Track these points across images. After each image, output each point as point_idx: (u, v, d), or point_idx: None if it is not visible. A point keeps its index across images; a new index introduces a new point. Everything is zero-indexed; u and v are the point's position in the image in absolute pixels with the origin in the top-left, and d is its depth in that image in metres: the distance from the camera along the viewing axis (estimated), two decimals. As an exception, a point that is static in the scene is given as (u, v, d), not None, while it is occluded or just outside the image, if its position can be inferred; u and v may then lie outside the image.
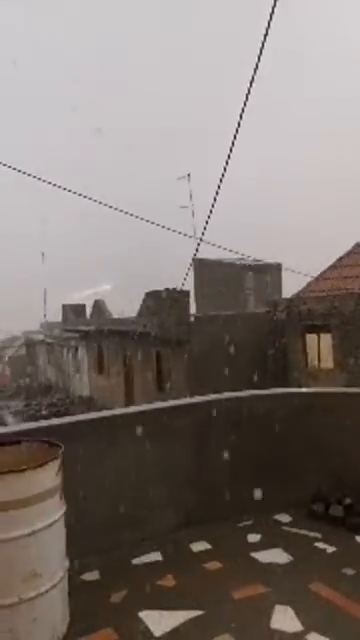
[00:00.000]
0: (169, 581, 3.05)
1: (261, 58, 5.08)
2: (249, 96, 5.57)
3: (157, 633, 2.54)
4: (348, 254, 18.30)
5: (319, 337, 16.04)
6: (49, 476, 2.45)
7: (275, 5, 4.53)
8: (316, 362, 16.26)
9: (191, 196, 21.69)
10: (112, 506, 3.43)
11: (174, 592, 2.94)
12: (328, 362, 15.75)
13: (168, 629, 2.57)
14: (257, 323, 17.53)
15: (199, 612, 2.69)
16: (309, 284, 18.40)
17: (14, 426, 3.83)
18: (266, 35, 4.81)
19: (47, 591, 2.39)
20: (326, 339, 15.77)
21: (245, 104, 5.58)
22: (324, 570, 3.09)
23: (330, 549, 3.37)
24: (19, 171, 8.45)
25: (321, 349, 16.04)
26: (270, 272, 26.61)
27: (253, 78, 5.32)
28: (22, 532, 2.30)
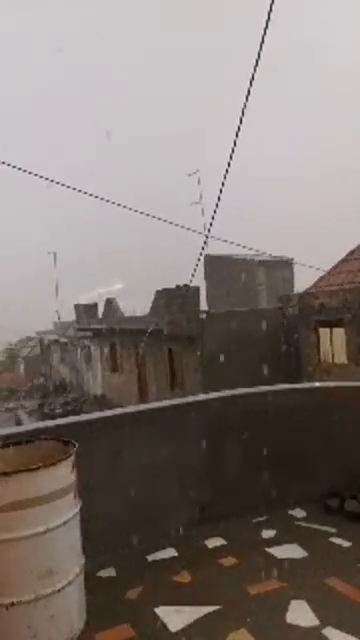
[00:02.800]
0: (185, 577, 3.06)
1: (263, 47, 5.02)
2: (251, 90, 5.53)
3: (173, 629, 2.56)
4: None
5: (332, 332, 15.94)
6: (63, 474, 2.47)
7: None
8: (329, 357, 16.16)
9: (201, 195, 21.66)
10: (127, 503, 3.45)
11: (190, 588, 2.95)
12: (342, 357, 15.64)
13: (184, 624, 2.58)
14: (269, 319, 17.47)
15: (215, 607, 2.70)
16: (321, 278, 18.26)
17: (29, 425, 3.87)
18: (266, 28, 4.77)
19: (63, 588, 2.41)
20: (339, 334, 15.66)
21: (247, 99, 5.55)
22: (340, 565, 3.08)
23: (345, 544, 3.35)
24: (34, 175, 8.49)
25: (334, 344, 15.93)
26: (282, 267, 26.47)
27: (255, 69, 5.28)
28: (37, 530, 2.33)
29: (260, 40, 4.99)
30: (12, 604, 2.30)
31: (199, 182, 22.08)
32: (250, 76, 5.37)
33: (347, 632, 2.43)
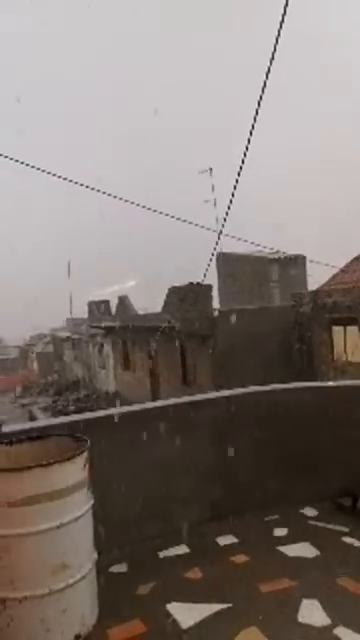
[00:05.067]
0: (196, 574, 3.07)
1: (279, 42, 4.99)
2: (265, 89, 5.49)
3: (184, 625, 2.57)
4: (375, 245, 17.93)
5: (346, 330, 15.82)
6: (76, 470, 2.49)
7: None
8: (343, 355, 16.05)
9: (213, 190, 21.59)
10: (138, 500, 3.47)
11: (201, 585, 2.96)
12: (356, 355, 15.52)
13: (195, 621, 2.59)
14: (282, 317, 17.39)
15: (226, 605, 2.71)
16: (335, 276, 18.14)
17: (42, 421, 3.91)
18: (282, 22, 4.72)
19: (76, 582, 2.43)
20: (353, 332, 15.54)
21: (261, 96, 5.51)
22: (352, 564, 3.06)
23: (357, 543, 3.33)
24: (48, 173, 8.56)
25: (348, 342, 15.82)
26: (295, 265, 26.31)
27: (269, 69, 5.25)
28: (51, 525, 2.35)
29: (275, 36, 4.95)
30: (25, 598, 2.33)
31: (212, 181, 22.02)
32: (264, 75, 5.34)
33: (359, 632, 2.42)
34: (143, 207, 9.98)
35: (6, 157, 7.68)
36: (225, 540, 3.48)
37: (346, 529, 3.53)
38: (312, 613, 2.59)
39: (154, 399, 18.77)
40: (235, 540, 3.47)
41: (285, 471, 3.94)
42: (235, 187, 7.21)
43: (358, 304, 14.97)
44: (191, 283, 17.41)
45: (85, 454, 2.58)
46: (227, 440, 3.84)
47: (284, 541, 3.41)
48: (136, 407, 3.84)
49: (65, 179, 8.76)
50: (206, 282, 16.28)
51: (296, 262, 26.23)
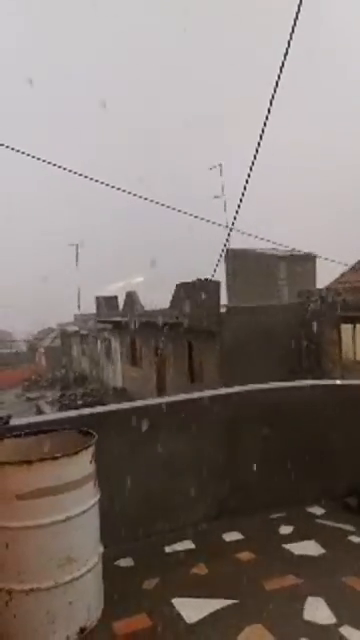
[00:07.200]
0: (201, 569, 3.07)
1: (291, 44, 4.98)
2: (279, 82, 5.47)
3: (190, 620, 2.57)
4: (385, 243, 17.79)
5: (354, 328, 15.73)
6: (83, 464, 2.50)
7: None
8: (351, 354, 15.96)
9: (223, 187, 21.54)
10: (145, 495, 3.48)
11: (207, 581, 2.96)
12: (363, 354, 15.43)
13: (201, 617, 2.59)
14: (290, 314, 17.32)
15: (231, 601, 2.71)
16: (343, 274, 18.03)
17: (50, 415, 3.93)
18: (295, 21, 4.71)
19: (82, 576, 2.44)
20: (362, 330, 15.45)
21: (275, 90, 5.49)
22: (357, 563, 3.05)
23: (364, 542, 3.32)
24: (60, 167, 8.58)
25: (356, 340, 15.73)
26: (304, 262, 26.19)
27: (283, 64, 5.22)
28: (57, 518, 2.36)
29: (289, 34, 4.92)
30: (32, 590, 2.34)
31: (222, 181, 21.96)
32: (278, 69, 5.31)
33: (364, 631, 2.41)
34: (152, 201, 9.98)
35: (13, 149, 7.70)
36: (231, 537, 3.48)
37: (352, 528, 3.52)
38: (317, 611, 2.58)
39: (160, 395, 18.80)
40: (241, 537, 3.47)
41: (292, 469, 3.93)
42: (245, 187, 7.19)
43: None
44: (199, 279, 17.37)
45: (92, 448, 2.58)
46: (234, 437, 3.83)
47: (290, 539, 3.41)
48: (143, 403, 3.84)
49: (76, 173, 8.76)
50: (214, 278, 16.24)
51: (305, 259, 26.09)
